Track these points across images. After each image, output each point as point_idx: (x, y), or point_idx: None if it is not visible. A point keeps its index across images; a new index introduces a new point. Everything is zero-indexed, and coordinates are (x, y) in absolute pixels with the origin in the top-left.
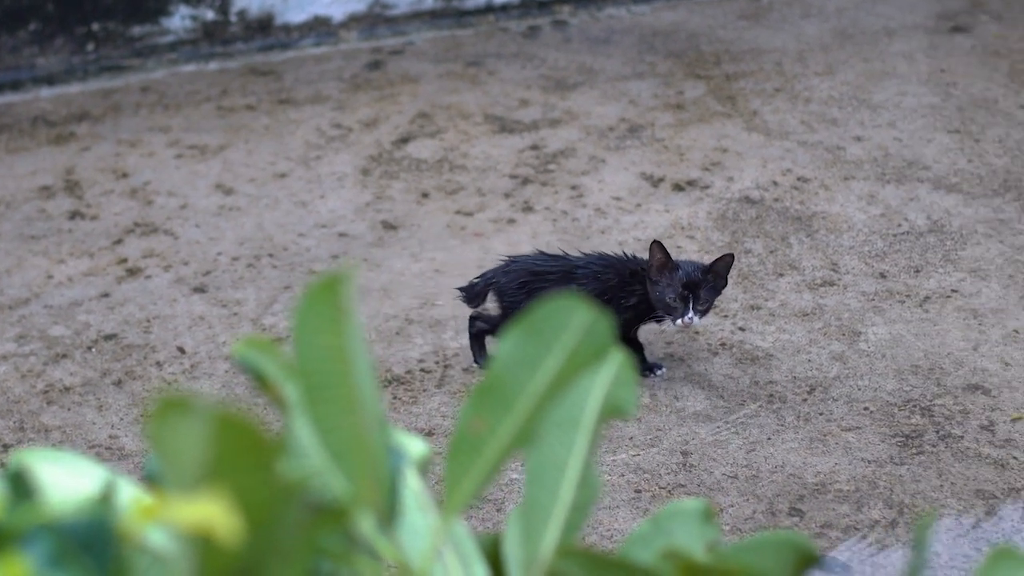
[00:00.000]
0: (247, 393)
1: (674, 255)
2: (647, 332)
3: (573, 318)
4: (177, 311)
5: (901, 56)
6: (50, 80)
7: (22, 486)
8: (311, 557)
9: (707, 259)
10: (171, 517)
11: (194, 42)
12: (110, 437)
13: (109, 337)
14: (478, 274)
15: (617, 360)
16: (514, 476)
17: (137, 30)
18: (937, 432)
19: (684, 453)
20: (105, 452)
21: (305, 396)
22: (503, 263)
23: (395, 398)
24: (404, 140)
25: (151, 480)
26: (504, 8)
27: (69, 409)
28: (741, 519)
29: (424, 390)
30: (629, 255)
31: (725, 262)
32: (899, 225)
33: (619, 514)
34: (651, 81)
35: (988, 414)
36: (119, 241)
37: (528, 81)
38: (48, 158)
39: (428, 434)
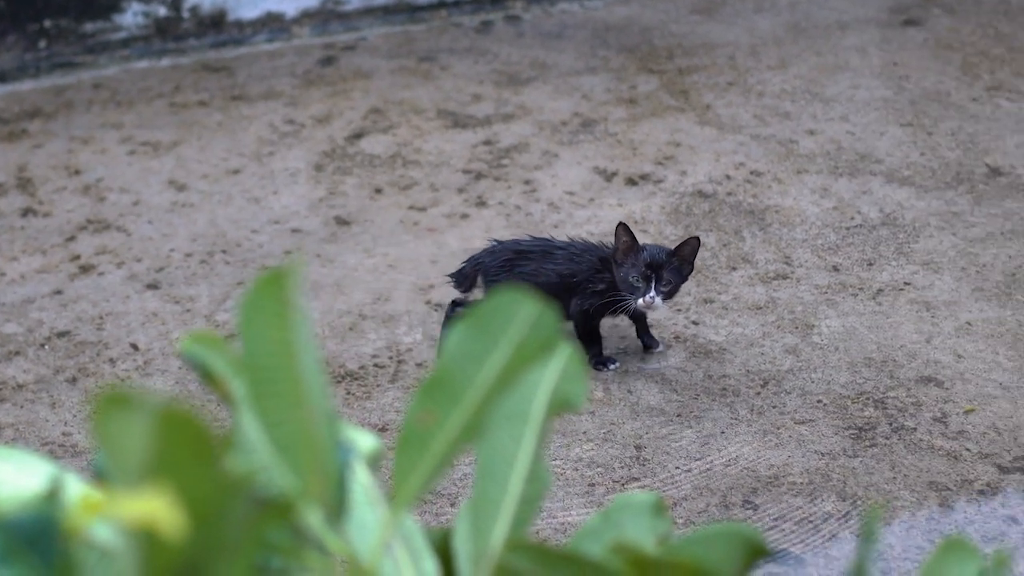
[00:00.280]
0: (200, 389)
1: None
2: (604, 326)
3: (520, 312)
4: (130, 308)
5: (854, 50)
6: (2, 77)
7: None
8: (257, 552)
9: None
10: (115, 513)
11: (146, 38)
12: (63, 434)
13: (62, 334)
14: (465, 258)
15: (565, 354)
16: (467, 471)
17: (89, 27)
18: (890, 424)
19: (638, 447)
20: (58, 449)
21: (252, 391)
22: (489, 246)
23: (348, 394)
24: (357, 136)
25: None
26: (457, 3)
27: (22, 407)
28: (695, 512)
29: (377, 385)
30: (609, 246)
31: (691, 246)
32: (852, 218)
33: (573, 508)
34: (604, 76)
35: (941, 406)
36: (72, 238)
37: (481, 76)
38: (0, 155)
39: (381, 429)
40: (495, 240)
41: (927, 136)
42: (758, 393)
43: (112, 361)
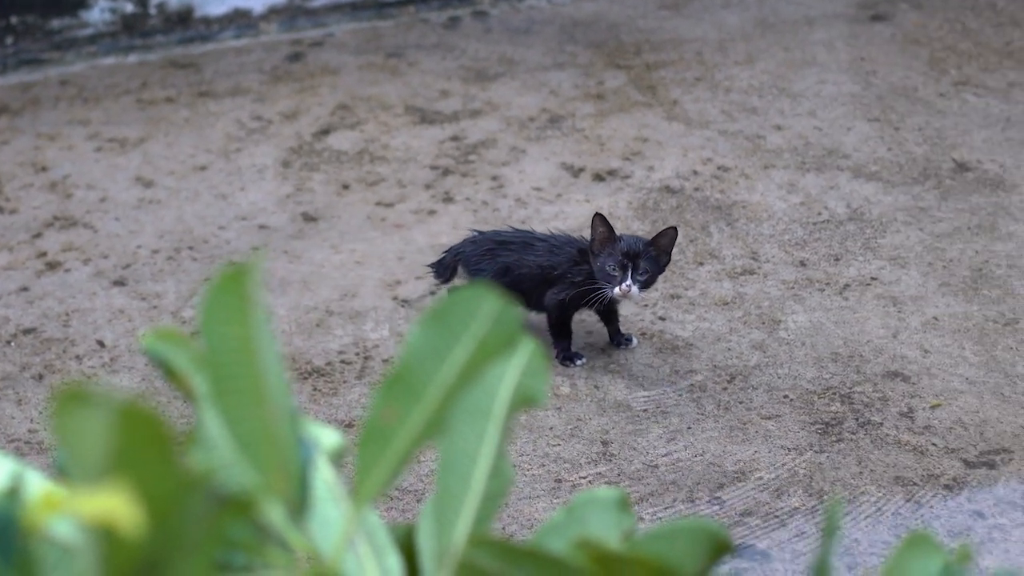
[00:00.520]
0: (167, 386)
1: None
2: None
3: (482, 307)
4: (97, 304)
5: (821, 45)
6: None
7: None
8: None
9: None
10: (73, 510)
11: (113, 35)
12: (29, 431)
13: (28, 331)
14: (445, 248)
15: (528, 349)
16: (434, 467)
17: (56, 23)
18: (856, 419)
19: (604, 442)
20: (24, 446)
21: (213, 387)
22: (470, 236)
23: (315, 390)
24: (324, 132)
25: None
26: None
27: None
28: (661, 508)
29: (344, 382)
30: (587, 239)
31: (668, 236)
32: (819, 213)
33: (539, 504)
34: (572, 71)
35: (907, 401)
36: (38, 235)
37: (449, 72)
38: None
39: (348, 426)
40: (476, 231)
41: (894, 131)
42: (725, 388)
43: (79, 358)
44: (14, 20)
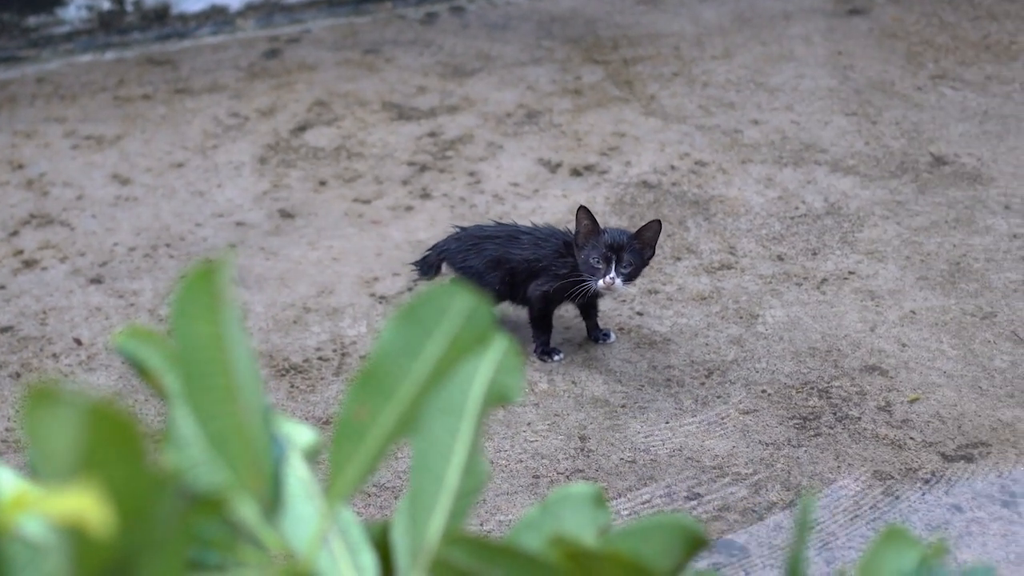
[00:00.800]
0: (144, 384)
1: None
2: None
3: (453, 304)
4: (73, 302)
5: (799, 39)
6: None
7: None
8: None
9: None
10: (42, 509)
11: (90, 32)
12: (6, 430)
13: (5, 329)
14: (428, 246)
15: (501, 346)
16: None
17: (32, 20)
18: (834, 414)
19: (582, 438)
20: (1, 445)
21: (184, 385)
22: (453, 233)
23: (293, 387)
24: (301, 128)
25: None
26: None
27: None
28: (639, 503)
29: (322, 378)
30: (571, 231)
31: (653, 229)
32: (796, 208)
33: (517, 500)
34: (549, 67)
35: (885, 395)
36: (15, 233)
37: (426, 68)
38: None
39: (326, 423)
40: (458, 227)
41: (871, 125)
42: (703, 383)
43: (55, 356)
44: None
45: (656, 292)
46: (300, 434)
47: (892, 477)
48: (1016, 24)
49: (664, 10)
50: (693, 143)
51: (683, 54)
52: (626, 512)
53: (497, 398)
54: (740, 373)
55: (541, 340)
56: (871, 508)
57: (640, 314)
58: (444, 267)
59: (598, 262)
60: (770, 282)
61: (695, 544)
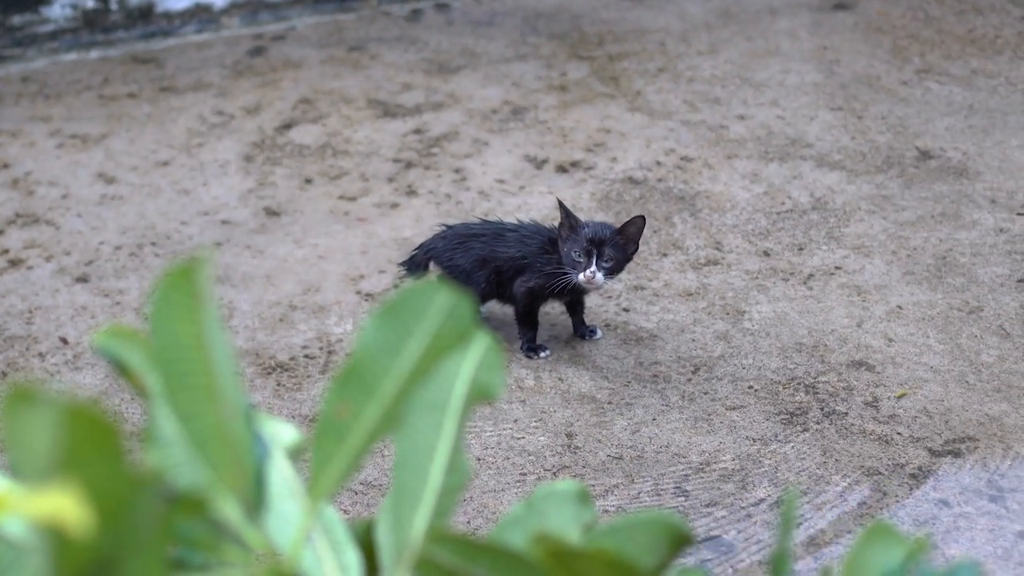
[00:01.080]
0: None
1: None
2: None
3: (434, 301)
4: (59, 302)
5: (784, 34)
6: None
7: None
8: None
9: None
10: (21, 510)
11: (75, 31)
12: None
13: None
14: (415, 245)
15: (483, 344)
16: None
17: (17, 19)
18: (821, 409)
19: (569, 435)
20: None
21: (165, 385)
22: (439, 231)
23: (279, 385)
24: (287, 126)
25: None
26: None
27: None
28: (626, 500)
29: (308, 376)
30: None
31: (636, 225)
32: (782, 203)
33: (504, 497)
34: (534, 63)
35: (872, 390)
36: (0, 232)
37: (411, 65)
38: None
39: (312, 421)
40: (444, 225)
41: (857, 120)
42: (689, 380)
43: (41, 355)
44: None
45: (642, 288)
46: (284, 433)
47: (879, 472)
48: (1001, 18)
49: (649, 6)
50: (679, 139)
51: (668, 50)
52: (613, 509)
53: (479, 395)
54: (727, 369)
55: (527, 337)
56: (858, 504)
57: (626, 310)
58: (432, 265)
59: (579, 256)
60: (756, 278)
61: (680, 541)
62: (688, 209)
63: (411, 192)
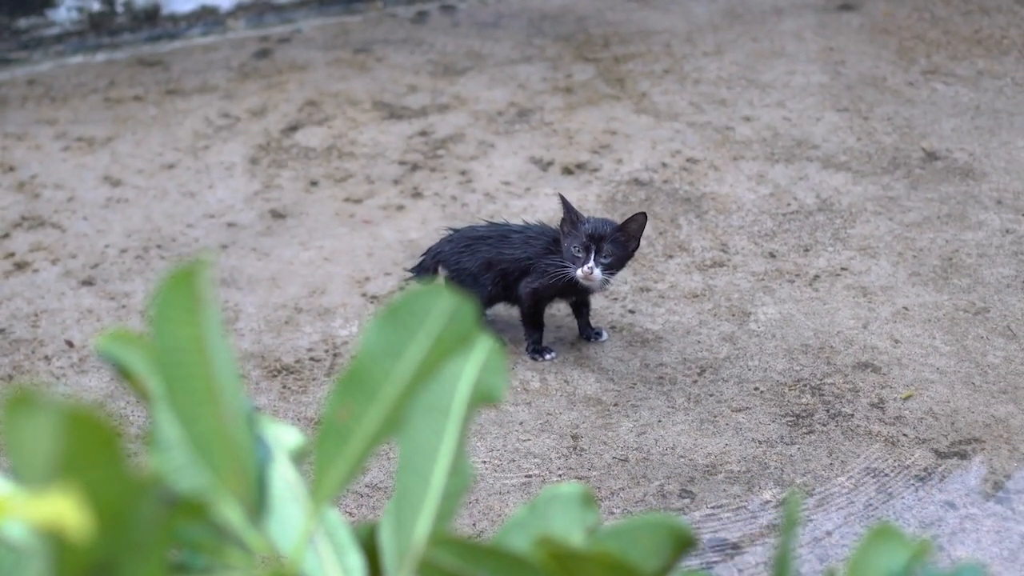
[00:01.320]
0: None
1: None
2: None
3: (437, 304)
4: (65, 304)
5: (790, 35)
6: None
7: None
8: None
9: None
10: (21, 514)
11: (81, 34)
12: None
13: None
14: (423, 250)
15: (486, 346)
16: None
17: (23, 22)
18: (827, 411)
19: (575, 437)
20: None
21: (166, 388)
22: (446, 235)
23: (285, 387)
24: (292, 128)
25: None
26: None
27: None
28: (632, 502)
29: (314, 379)
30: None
31: (637, 222)
32: (788, 204)
33: (509, 500)
34: (540, 65)
35: (878, 392)
36: (6, 235)
37: (417, 67)
38: None
39: (318, 424)
40: (451, 228)
41: (863, 121)
42: (695, 381)
43: (47, 358)
44: None
45: (648, 290)
46: (287, 436)
47: (885, 474)
48: (1007, 18)
49: (655, 7)
50: (685, 140)
51: (674, 51)
52: (618, 511)
53: (482, 398)
54: (733, 371)
55: (533, 339)
56: (864, 505)
57: (632, 312)
58: (440, 269)
59: (578, 251)
60: (762, 279)
61: (683, 544)
62: (694, 211)
63: (417, 194)
